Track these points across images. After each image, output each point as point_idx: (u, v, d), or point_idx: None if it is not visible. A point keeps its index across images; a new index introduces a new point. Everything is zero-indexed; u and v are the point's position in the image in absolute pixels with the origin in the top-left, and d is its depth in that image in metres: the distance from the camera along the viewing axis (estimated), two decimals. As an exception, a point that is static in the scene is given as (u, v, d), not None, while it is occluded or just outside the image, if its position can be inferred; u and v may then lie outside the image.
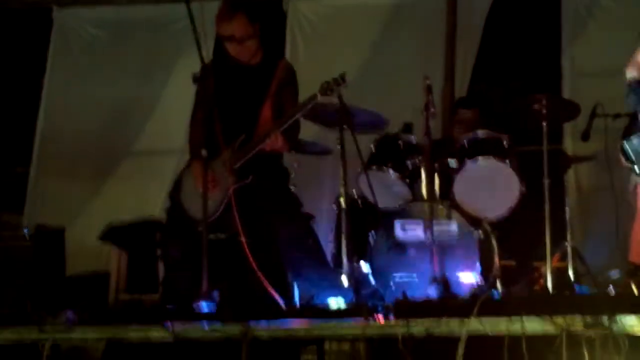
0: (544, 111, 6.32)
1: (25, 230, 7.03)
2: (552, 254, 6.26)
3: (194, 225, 5.81)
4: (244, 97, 6.18)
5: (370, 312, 5.27)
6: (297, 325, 5.40)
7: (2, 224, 7.61)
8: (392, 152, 6.72)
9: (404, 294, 5.76)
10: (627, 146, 6.05)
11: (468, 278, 6.15)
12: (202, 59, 5.67)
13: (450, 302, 5.52)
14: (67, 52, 9.10)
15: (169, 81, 8.85)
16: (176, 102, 8.56)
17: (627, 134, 6.12)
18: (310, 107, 6.02)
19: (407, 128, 6.94)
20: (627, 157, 6.06)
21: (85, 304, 6.04)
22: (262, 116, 6.12)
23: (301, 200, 6.43)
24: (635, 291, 5.49)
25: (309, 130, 6.76)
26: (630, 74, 6.15)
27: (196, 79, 5.85)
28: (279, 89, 6.16)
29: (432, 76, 6.55)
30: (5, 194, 8.45)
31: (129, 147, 8.87)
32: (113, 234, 7.32)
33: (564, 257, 6.56)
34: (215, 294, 5.48)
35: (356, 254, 6.33)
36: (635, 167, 6.03)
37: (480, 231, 6.33)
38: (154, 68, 8.93)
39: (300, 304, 5.94)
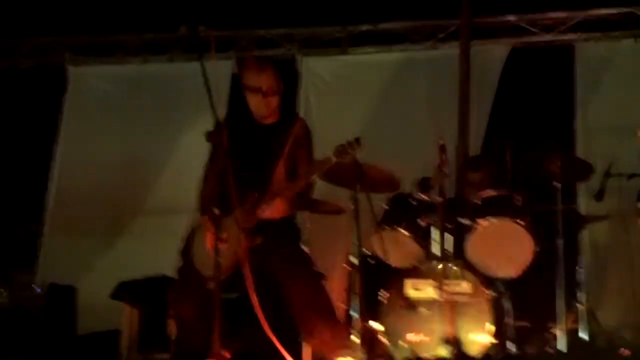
0: (558, 171, 6.31)
1: (38, 290, 7.01)
2: (566, 315, 6.21)
3: (205, 284, 5.78)
4: (259, 155, 6.17)
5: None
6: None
7: (15, 281, 7.61)
8: (405, 211, 6.71)
9: (415, 353, 5.72)
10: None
11: (481, 338, 6.10)
12: (215, 116, 5.68)
13: (463, 363, 5.48)
14: (81, 108, 9.16)
15: (181, 139, 8.88)
16: (188, 159, 8.56)
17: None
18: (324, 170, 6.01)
19: (424, 182, 6.91)
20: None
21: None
22: (275, 175, 6.11)
23: (314, 258, 6.41)
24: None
25: (322, 189, 6.75)
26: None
27: (209, 137, 5.85)
28: (294, 149, 6.15)
29: (445, 132, 6.56)
30: (18, 251, 8.46)
31: (142, 204, 8.88)
32: (124, 292, 7.30)
33: (577, 318, 6.50)
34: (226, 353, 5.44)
35: (368, 312, 6.30)
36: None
37: (492, 291, 6.29)
38: (166, 125, 8.98)
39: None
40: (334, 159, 5.88)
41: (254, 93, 6.14)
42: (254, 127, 6.24)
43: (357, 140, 5.88)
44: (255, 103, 6.16)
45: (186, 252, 6.20)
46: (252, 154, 6.15)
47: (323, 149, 6.11)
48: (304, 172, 6.00)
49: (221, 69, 5.95)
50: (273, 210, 5.97)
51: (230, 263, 5.91)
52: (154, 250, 8.43)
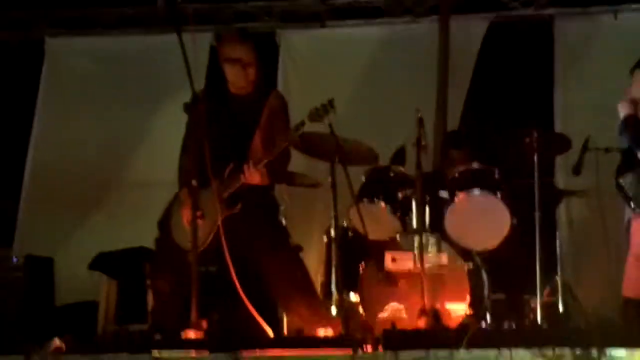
0: (535, 144, 6.34)
1: (15, 260, 7.00)
2: (543, 288, 6.25)
3: (183, 255, 5.78)
4: (236, 126, 6.18)
5: (359, 344, 5.25)
6: (286, 355, 5.36)
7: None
8: (383, 184, 6.72)
9: (393, 325, 5.74)
10: (622, 182, 6.06)
11: (458, 310, 6.13)
12: (193, 88, 5.67)
13: (440, 334, 5.49)
14: (58, 83, 9.09)
15: (159, 112, 8.83)
16: (166, 133, 8.54)
17: (621, 170, 6.12)
18: (299, 134, 6.01)
19: (400, 154, 6.93)
20: (623, 193, 6.07)
21: (74, 334, 5.98)
22: (253, 146, 6.12)
23: (291, 231, 6.42)
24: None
25: (299, 162, 6.75)
26: (623, 111, 6.15)
27: (187, 108, 5.84)
28: (270, 119, 6.16)
29: (423, 108, 6.55)
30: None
31: (119, 178, 8.85)
32: (103, 263, 7.29)
33: (554, 291, 6.55)
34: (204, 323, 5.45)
35: (346, 285, 6.32)
36: (631, 202, 6.03)
37: (470, 263, 6.32)
38: (144, 99, 8.93)
39: (289, 335, 5.92)
40: (309, 122, 5.90)
41: (232, 64, 6.15)
42: (231, 99, 6.24)
43: (331, 102, 5.89)
44: (233, 73, 6.17)
45: (164, 224, 6.20)
46: (230, 125, 6.16)
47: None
48: (280, 137, 6.00)
49: (199, 42, 5.96)
50: (251, 176, 5.96)
51: (208, 235, 5.92)
52: (131, 223, 8.42)
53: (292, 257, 6.26)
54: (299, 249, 6.56)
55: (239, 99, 6.22)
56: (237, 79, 6.17)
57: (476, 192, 6.49)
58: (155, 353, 5.17)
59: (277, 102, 6.23)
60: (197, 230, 5.56)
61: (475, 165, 6.62)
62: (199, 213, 5.62)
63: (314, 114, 5.91)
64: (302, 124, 5.97)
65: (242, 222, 5.98)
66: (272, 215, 6.31)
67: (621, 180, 6.05)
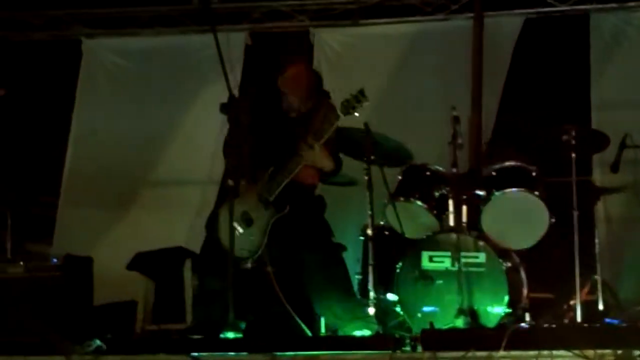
0: (573, 142, 6.30)
1: (54, 260, 7.03)
2: (582, 287, 6.21)
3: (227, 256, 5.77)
4: (283, 127, 6.19)
5: (397, 344, 5.24)
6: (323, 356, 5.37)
7: (31, 254, 7.62)
8: (420, 182, 6.70)
9: (431, 324, 5.73)
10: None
11: (496, 309, 6.10)
12: (229, 88, 5.67)
13: (478, 334, 5.47)
14: (95, 83, 9.14)
15: (192, 111, 8.87)
16: (200, 131, 8.60)
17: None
18: (334, 128, 6.00)
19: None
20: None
21: (112, 334, 6.01)
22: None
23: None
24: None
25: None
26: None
27: (224, 108, 5.84)
28: (318, 127, 6.13)
29: (458, 106, 6.53)
30: (34, 225, 8.48)
31: (154, 176, 8.89)
32: (140, 263, 7.31)
33: (593, 290, 6.50)
34: (242, 323, 5.47)
35: (383, 284, 6.31)
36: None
37: (508, 262, 6.28)
38: (178, 97, 8.96)
39: (327, 335, 5.91)
40: (342, 115, 5.90)
41: (291, 97, 6.21)
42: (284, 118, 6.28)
43: (362, 92, 5.91)
44: (291, 102, 6.24)
45: (211, 226, 6.18)
46: (277, 126, 6.15)
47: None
48: (316, 132, 5.98)
49: (233, 40, 5.96)
50: (303, 175, 5.98)
51: (262, 237, 5.92)
52: (166, 222, 8.47)
53: (334, 254, 6.27)
54: (342, 247, 6.56)
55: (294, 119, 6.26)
56: (293, 105, 6.20)
57: (514, 190, 6.44)
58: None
59: (327, 110, 6.20)
60: (251, 235, 5.55)
61: (513, 163, 6.57)
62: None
63: (346, 107, 5.93)
64: (337, 117, 5.97)
65: (287, 220, 5.99)
66: (318, 213, 6.31)
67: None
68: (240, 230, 5.67)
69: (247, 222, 5.93)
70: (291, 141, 6.12)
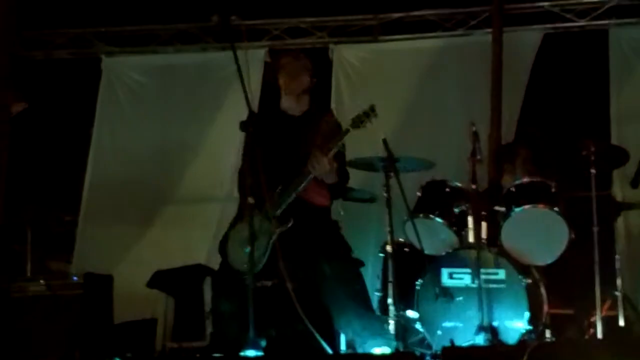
0: (593, 157, 6.27)
1: (74, 278, 7.06)
2: (602, 302, 6.18)
3: (240, 276, 5.78)
4: (289, 147, 6.19)
5: (417, 361, 5.24)
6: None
7: (51, 272, 7.66)
8: (439, 198, 6.69)
9: (452, 341, 5.71)
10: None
11: (517, 326, 6.08)
12: (249, 105, 5.68)
13: (499, 351, 5.46)
14: (115, 100, 9.19)
15: (212, 128, 8.90)
16: (220, 149, 8.63)
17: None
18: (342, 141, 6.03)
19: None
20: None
21: (132, 352, 6.02)
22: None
23: (349, 247, 6.42)
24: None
25: (355, 177, 6.76)
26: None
27: (244, 126, 5.85)
28: (324, 142, 6.14)
29: (477, 120, 6.54)
30: (54, 242, 8.51)
31: (174, 193, 8.91)
32: (160, 281, 7.33)
33: (614, 306, 6.46)
34: (263, 341, 5.46)
35: (403, 301, 6.30)
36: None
37: (528, 278, 6.26)
38: (198, 115, 9.01)
39: (346, 351, 5.90)
40: (352, 129, 5.93)
41: (287, 70, 6.27)
42: (285, 117, 6.26)
43: (372, 108, 5.95)
44: (287, 78, 6.27)
45: (223, 246, 6.20)
46: (284, 145, 6.16)
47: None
48: (324, 146, 6.00)
49: (253, 58, 5.98)
50: (314, 195, 5.98)
51: (263, 254, 5.92)
52: (187, 239, 8.48)
53: (353, 269, 6.26)
54: (361, 264, 6.55)
55: (293, 119, 6.24)
56: (290, 85, 6.20)
57: (533, 206, 6.42)
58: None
59: (331, 126, 6.21)
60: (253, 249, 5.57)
61: (532, 178, 6.55)
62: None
63: (356, 122, 5.96)
64: (346, 132, 6.00)
65: (301, 235, 5.98)
66: (334, 230, 6.31)
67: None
68: (247, 250, 5.66)
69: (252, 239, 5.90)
70: (296, 143, 6.13)
